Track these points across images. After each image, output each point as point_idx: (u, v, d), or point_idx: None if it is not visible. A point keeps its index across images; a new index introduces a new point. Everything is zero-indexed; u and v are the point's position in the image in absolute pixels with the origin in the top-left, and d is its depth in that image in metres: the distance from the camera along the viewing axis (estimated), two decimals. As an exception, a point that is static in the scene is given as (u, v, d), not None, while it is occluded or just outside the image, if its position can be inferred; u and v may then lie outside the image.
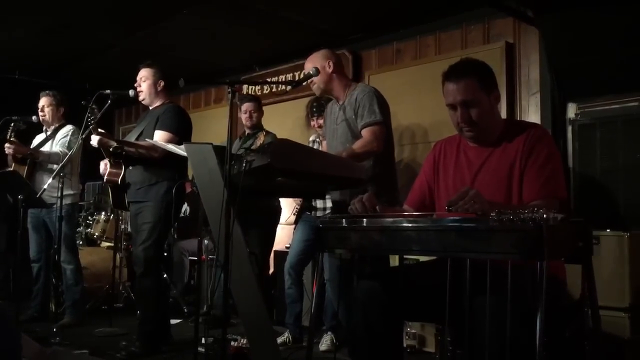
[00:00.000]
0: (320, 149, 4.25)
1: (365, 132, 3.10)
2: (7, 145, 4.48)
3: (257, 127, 4.61)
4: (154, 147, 3.63)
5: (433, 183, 2.40)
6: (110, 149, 3.70)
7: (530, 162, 2.12)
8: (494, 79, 2.27)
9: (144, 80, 3.91)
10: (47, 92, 4.81)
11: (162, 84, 3.92)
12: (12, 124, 4.58)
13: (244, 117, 4.71)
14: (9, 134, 4.56)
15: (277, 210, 4.72)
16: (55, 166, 4.37)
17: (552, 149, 2.17)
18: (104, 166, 3.80)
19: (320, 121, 4.40)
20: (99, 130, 3.67)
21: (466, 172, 2.26)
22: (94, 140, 3.66)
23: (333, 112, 3.38)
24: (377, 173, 3.13)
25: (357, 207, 2.14)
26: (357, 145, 3.04)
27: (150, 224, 3.69)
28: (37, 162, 4.57)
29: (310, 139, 4.56)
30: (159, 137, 3.71)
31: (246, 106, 4.67)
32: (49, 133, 4.80)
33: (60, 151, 4.55)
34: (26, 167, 4.55)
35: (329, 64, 3.26)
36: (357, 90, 3.23)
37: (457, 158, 2.33)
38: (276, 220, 4.72)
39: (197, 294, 3.78)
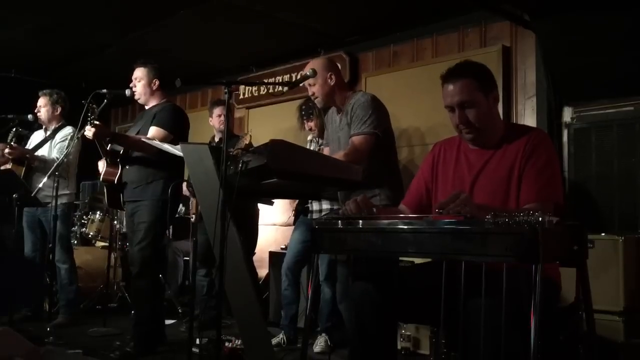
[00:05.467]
0: (318, 149, 4.26)
1: (351, 142, 3.12)
2: (7, 151, 4.47)
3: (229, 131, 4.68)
4: (149, 146, 3.61)
5: (431, 184, 2.40)
6: (106, 140, 3.70)
7: (529, 166, 2.13)
8: (493, 80, 2.28)
9: (139, 80, 3.90)
10: (44, 91, 4.80)
11: (156, 82, 3.91)
12: (13, 129, 4.57)
13: (217, 120, 4.80)
14: (9, 138, 4.55)
15: (257, 212, 4.85)
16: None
17: (552, 154, 2.19)
18: (102, 165, 3.79)
19: (311, 123, 4.43)
20: (96, 122, 3.61)
21: (466, 174, 2.27)
22: (89, 132, 3.59)
23: (334, 120, 3.40)
24: (386, 179, 3.16)
25: (351, 207, 2.15)
26: (339, 155, 3.06)
27: (146, 224, 3.68)
28: (33, 166, 4.56)
29: (308, 138, 4.59)
30: (153, 132, 3.70)
31: (220, 110, 4.78)
32: (48, 133, 4.79)
33: (57, 158, 4.51)
34: (24, 167, 4.54)
35: (330, 76, 3.26)
36: (354, 99, 3.23)
37: (457, 160, 2.33)
38: (257, 222, 4.84)
39: (192, 294, 3.77)
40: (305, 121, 4.48)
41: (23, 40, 5.60)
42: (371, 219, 2.03)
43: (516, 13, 4.19)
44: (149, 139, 3.61)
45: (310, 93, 3.34)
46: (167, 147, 3.37)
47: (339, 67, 3.44)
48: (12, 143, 4.53)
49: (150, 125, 3.75)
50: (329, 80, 3.26)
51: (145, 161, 3.73)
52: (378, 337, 2.12)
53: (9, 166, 4.52)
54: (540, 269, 1.56)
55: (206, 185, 2.67)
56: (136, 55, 4.14)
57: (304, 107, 4.48)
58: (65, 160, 4.24)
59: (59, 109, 4.80)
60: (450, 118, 2.27)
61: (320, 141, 4.34)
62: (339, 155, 3.05)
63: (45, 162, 4.54)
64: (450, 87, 2.20)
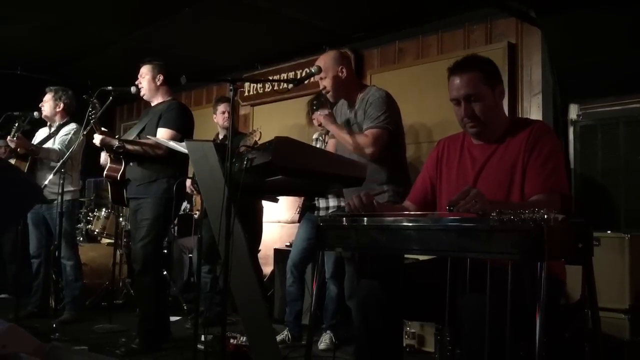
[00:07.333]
0: (323, 147, 4.25)
1: (367, 133, 3.12)
2: (9, 138, 4.49)
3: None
4: (158, 145, 3.64)
5: (435, 180, 2.40)
6: (113, 148, 3.71)
7: (533, 157, 2.13)
8: (499, 74, 2.28)
9: (143, 76, 3.93)
10: (50, 87, 4.85)
11: (160, 78, 3.93)
12: (17, 124, 4.59)
13: (221, 117, 4.82)
14: (13, 132, 4.57)
15: (261, 209, 4.89)
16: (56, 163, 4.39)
17: (555, 144, 2.18)
18: (105, 157, 3.81)
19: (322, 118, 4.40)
20: (102, 129, 3.68)
21: (469, 170, 2.27)
22: (97, 139, 3.69)
23: (343, 113, 3.37)
24: (395, 176, 3.17)
25: (354, 201, 2.15)
26: (359, 135, 3.09)
27: (149, 221, 3.69)
28: (37, 158, 4.58)
29: (314, 136, 4.57)
30: (162, 134, 3.72)
31: (224, 107, 4.80)
32: (52, 129, 4.82)
33: (59, 149, 4.55)
34: (27, 163, 4.56)
35: (341, 70, 3.24)
36: (368, 94, 3.21)
37: (460, 156, 2.33)
38: (261, 219, 4.88)
39: (197, 291, 3.78)
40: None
41: (29, 38, 5.62)
42: (376, 216, 2.03)
43: (522, 10, 4.17)
44: (157, 139, 3.63)
45: (321, 87, 3.31)
46: (173, 144, 3.38)
47: (349, 60, 3.40)
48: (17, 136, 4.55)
49: (158, 126, 3.77)
50: (340, 74, 3.23)
51: (148, 159, 3.74)
52: (383, 334, 2.12)
53: (12, 162, 4.54)
54: (545, 267, 1.55)
55: (211, 183, 2.67)
56: (141, 52, 4.16)
57: (315, 101, 4.44)
58: (70, 155, 4.25)
59: (62, 106, 4.82)
60: (455, 111, 2.27)
61: (327, 138, 4.32)
62: (359, 136, 3.07)
63: (49, 152, 4.56)
64: (457, 80, 2.20)
